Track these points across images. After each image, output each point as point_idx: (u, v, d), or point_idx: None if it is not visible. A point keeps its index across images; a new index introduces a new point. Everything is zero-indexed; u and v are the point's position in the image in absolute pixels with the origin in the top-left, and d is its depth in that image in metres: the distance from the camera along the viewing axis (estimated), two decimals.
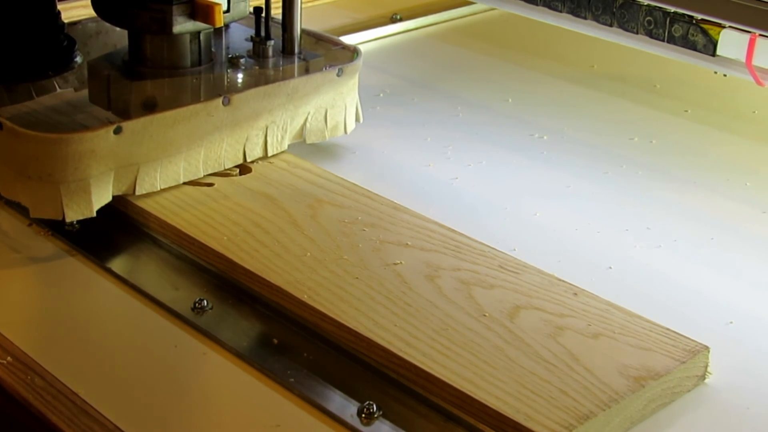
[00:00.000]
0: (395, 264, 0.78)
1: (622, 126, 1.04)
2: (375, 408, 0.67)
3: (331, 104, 0.93)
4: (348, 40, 1.17)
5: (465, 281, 0.76)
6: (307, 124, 0.92)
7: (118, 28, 0.94)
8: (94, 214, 0.81)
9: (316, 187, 0.87)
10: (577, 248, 0.84)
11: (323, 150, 0.95)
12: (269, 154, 0.90)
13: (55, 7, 0.90)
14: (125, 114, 0.87)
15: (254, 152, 0.89)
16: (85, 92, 0.93)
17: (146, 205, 0.83)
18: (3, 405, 0.68)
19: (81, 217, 0.81)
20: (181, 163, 0.85)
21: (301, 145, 0.93)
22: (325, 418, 0.67)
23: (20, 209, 0.85)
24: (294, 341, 0.73)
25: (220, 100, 0.85)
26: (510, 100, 1.09)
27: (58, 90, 0.93)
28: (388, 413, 0.67)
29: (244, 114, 0.87)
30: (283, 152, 0.92)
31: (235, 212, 0.83)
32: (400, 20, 1.26)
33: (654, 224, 0.87)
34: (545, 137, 1.01)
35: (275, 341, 0.73)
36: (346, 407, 0.67)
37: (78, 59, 0.92)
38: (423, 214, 0.84)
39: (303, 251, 0.79)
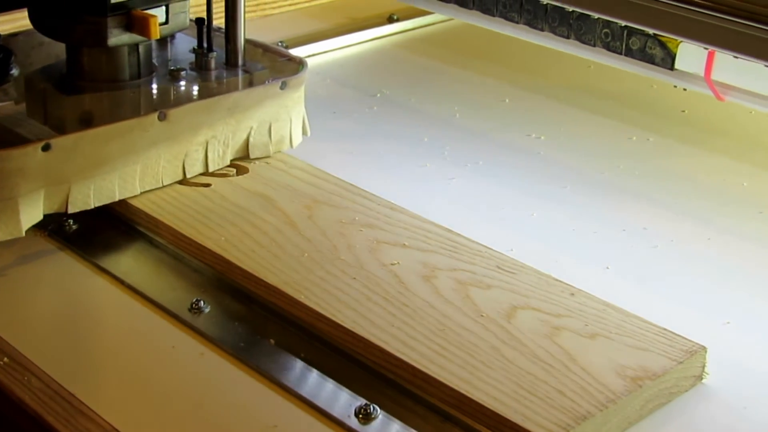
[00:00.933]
0: (392, 264, 0.78)
1: (619, 126, 1.04)
2: (372, 408, 0.67)
3: (275, 118, 0.91)
4: (345, 40, 1.17)
5: (462, 281, 0.76)
6: (251, 139, 0.90)
7: None
8: (23, 234, 0.79)
9: (312, 187, 0.87)
10: (574, 248, 0.84)
11: (319, 150, 0.95)
12: (210, 170, 0.88)
13: None
14: (61, 129, 0.85)
15: (194, 168, 0.87)
16: (23, 106, 0.90)
17: (143, 205, 0.83)
18: None
19: (9, 237, 0.79)
20: (116, 180, 0.83)
21: (298, 145, 0.93)
22: (322, 418, 0.67)
23: None
24: (291, 341, 0.73)
25: (155, 115, 0.83)
26: (507, 100, 1.09)
27: None
28: (387, 413, 0.67)
29: (182, 129, 0.85)
30: (279, 153, 0.92)
31: (232, 212, 0.83)
32: (398, 20, 1.26)
33: (650, 224, 0.88)
34: (542, 137, 1.01)
35: (272, 341, 0.73)
36: (344, 407, 0.67)
37: (14, 72, 0.89)
38: (420, 214, 0.84)
39: (300, 252, 0.79)
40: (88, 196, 0.82)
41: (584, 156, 0.98)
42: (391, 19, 1.26)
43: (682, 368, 0.69)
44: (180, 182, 0.87)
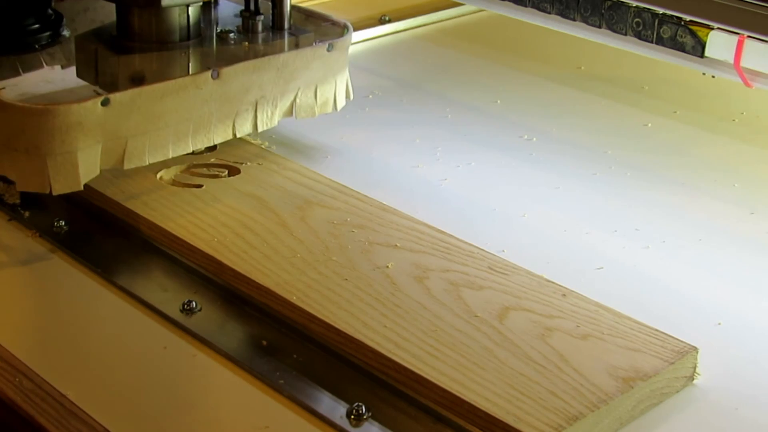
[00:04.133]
0: (384, 266, 0.78)
1: (611, 127, 1.04)
2: (364, 409, 0.67)
3: (321, 80, 0.93)
4: None
5: (454, 282, 0.76)
6: (297, 100, 0.92)
7: (105, 4, 0.93)
8: (82, 188, 0.81)
9: (305, 188, 0.87)
10: (566, 249, 0.84)
11: (312, 150, 0.95)
12: (259, 130, 0.89)
13: None
14: (113, 88, 0.86)
15: (244, 128, 0.88)
16: (72, 67, 0.92)
17: (135, 206, 0.83)
18: None
19: (68, 191, 0.80)
20: (170, 137, 0.84)
21: (291, 146, 0.93)
22: (315, 419, 0.67)
23: (6, 209, 0.85)
24: (283, 343, 0.73)
25: (209, 73, 0.85)
26: (498, 101, 1.09)
27: (45, 64, 0.93)
28: (378, 414, 0.67)
29: (234, 88, 0.87)
30: (272, 154, 0.92)
31: (224, 214, 0.83)
32: (389, 21, 1.26)
33: (642, 225, 0.88)
34: (534, 139, 1.01)
35: (264, 343, 0.73)
36: (336, 409, 0.67)
37: (65, 33, 0.92)
38: (412, 215, 0.84)
39: (292, 253, 0.79)
40: (144, 153, 0.83)
41: (575, 157, 0.98)
42: (382, 20, 1.26)
43: (673, 369, 0.70)
44: (171, 183, 0.87)
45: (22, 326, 0.75)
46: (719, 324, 0.77)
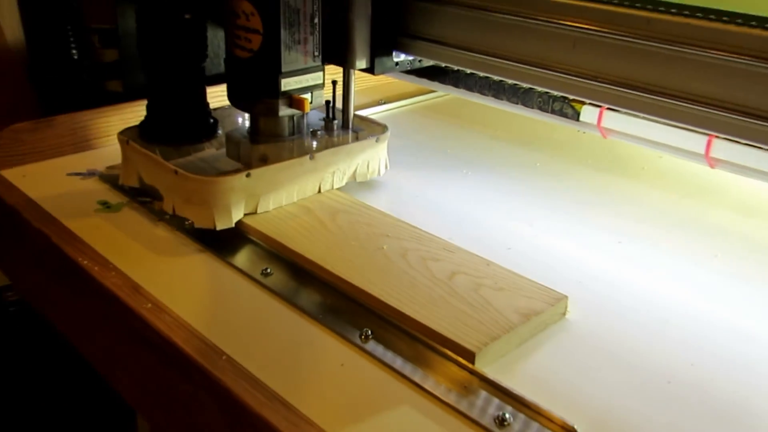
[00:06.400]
0: (381, 247, 0.78)
1: (518, 162, 1.04)
2: (370, 333, 0.68)
3: (371, 158, 0.93)
4: None
5: (423, 257, 0.77)
6: (357, 170, 0.92)
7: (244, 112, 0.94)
8: (233, 225, 0.81)
9: (336, 203, 0.88)
10: (490, 235, 0.84)
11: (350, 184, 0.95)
12: (334, 188, 0.90)
13: (206, 98, 0.91)
14: (249, 164, 0.87)
15: (325, 187, 0.89)
16: (223, 151, 0.92)
17: (246, 219, 0.83)
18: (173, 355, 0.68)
19: (225, 227, 0.81)
20: (283, 194, 0.85)
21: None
22: (341, 338, 0.68)
23: (154, 214, 0.85)
24: (321, 293, 0.74)
25: (307, 156, 0.86)
26: (448, 151, 1.08)
27: (207, 150, 0.93)
28: (377, 336, 0.68)
29: (322, 165, 0.87)
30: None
31: (288, 217, 0.84)
32: (385, 104, 1.26)
33: (536, 220, 0.88)
34: (469, 173, 1.01)
35: (310, 294, 0.73)
36: (352, 332, 0.68)
37: (219, 131, 0.92)
38: (398, 217, 0.84)
39: (326, 239, 0.79)
40: (269, 204, 0.84)
41: (499, 182, 0.97)
42: (380, 103, 1.25)
43: (553, 309, 0.70)
44: None
45: (192, 302, 0.74)
46: (580, 282, 0.77)
